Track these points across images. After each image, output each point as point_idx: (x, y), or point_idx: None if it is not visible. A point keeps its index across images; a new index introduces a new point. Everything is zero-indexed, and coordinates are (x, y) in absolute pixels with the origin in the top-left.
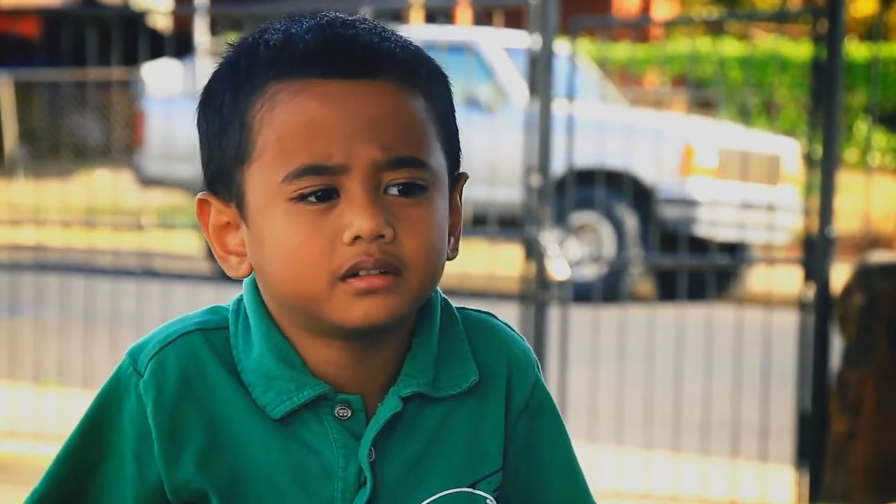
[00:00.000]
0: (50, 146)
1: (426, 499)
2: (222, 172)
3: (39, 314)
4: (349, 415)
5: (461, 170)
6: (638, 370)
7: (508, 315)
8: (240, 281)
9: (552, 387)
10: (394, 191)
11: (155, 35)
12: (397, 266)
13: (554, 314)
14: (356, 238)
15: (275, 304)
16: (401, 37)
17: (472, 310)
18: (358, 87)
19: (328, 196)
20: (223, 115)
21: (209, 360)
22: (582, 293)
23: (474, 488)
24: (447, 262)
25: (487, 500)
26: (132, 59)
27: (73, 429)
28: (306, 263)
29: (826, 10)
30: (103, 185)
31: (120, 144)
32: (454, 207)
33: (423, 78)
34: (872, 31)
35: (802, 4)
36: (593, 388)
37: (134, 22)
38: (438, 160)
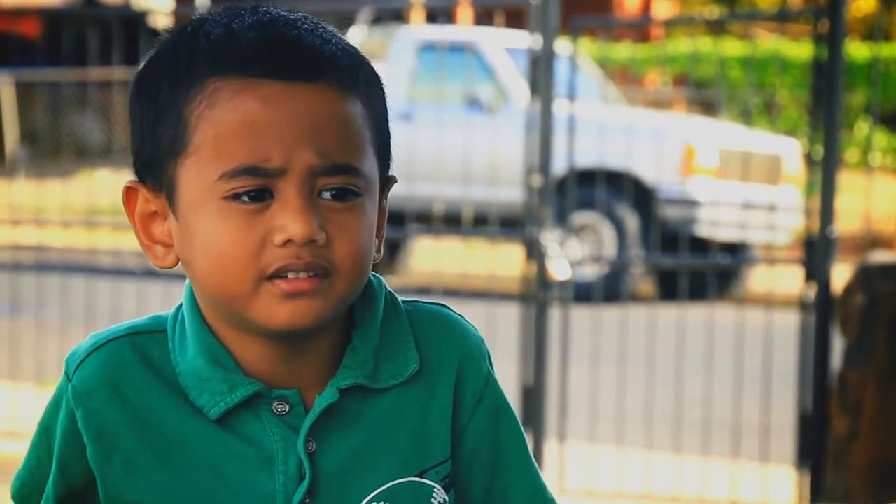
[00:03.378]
0: (51, 146)
1: (374, 489)
2: (154, 162)
3: (40, 314)
4: (287, 409)
5: (392, 173)
6: (639, 370)
7: (509, 315)
8: None
9: (553, 387)
10: (327, 195)
11: (156, 35)
12: (327, 268)
13: (555, 314)
14: (287, 241)
15: (203, 301)
16: (342, 38)
17: (423, 302)
18: (299, 89)
19: (261, 196)
20: (159, 105)
21: (135, 364)
22: (583, 293)
23: (421, 477)
24: (448, 264)
25: (434, 489)
26: (133, 59)
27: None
28: (235, 262)
29: (827, 10)
30: (104, 185)
31: (121, 144)
32: (382, 210)
33: (362, 82)
34: (873, 30)
35: (803, 4)
36: (594, 388)
37: (135, 22)
38: (371, 166)
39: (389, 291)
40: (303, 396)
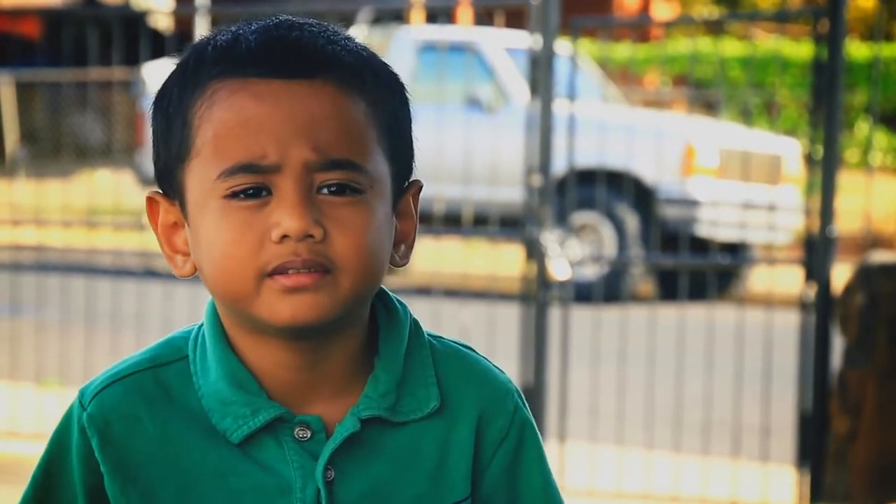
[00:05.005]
0: (51, 146)
1: None
2: (167, 171)
3: (41, 314)
4: (308, 436)
5: (416, 177)
6: (639, 370)
7: (509, 315)
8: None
9: (553, 387)
10: (326, 191)
11: (156, 35)
12: (326, 265)
13: (555, 314)
14: (284, 237)
15: (220, 307)
16: (352, 41)
17: (450, 340)
18: (296, 87)
19: (260, 194)
20: (169, 113)
21: (160, 397)
22: (583, 293)
23: None
24: (448, 264)
25: None
26: (133, 60)
27: (34, 468)
28: (236, 260)
29: (827, 10)
30: (104, 185)
31: (121, 144)
32: (407, 215)
33: (366, 82)
34: (873, 30)
35: (803, 4)
36: (594, 388)
37: (135, 22)
38: (378, 165)
39: (414, 320)
40: (325, 423)
